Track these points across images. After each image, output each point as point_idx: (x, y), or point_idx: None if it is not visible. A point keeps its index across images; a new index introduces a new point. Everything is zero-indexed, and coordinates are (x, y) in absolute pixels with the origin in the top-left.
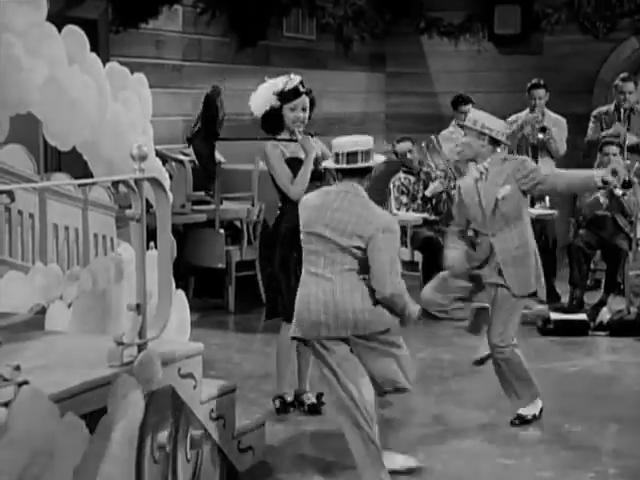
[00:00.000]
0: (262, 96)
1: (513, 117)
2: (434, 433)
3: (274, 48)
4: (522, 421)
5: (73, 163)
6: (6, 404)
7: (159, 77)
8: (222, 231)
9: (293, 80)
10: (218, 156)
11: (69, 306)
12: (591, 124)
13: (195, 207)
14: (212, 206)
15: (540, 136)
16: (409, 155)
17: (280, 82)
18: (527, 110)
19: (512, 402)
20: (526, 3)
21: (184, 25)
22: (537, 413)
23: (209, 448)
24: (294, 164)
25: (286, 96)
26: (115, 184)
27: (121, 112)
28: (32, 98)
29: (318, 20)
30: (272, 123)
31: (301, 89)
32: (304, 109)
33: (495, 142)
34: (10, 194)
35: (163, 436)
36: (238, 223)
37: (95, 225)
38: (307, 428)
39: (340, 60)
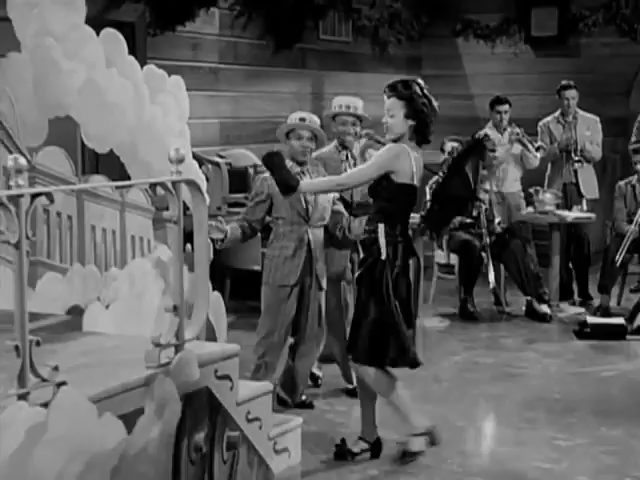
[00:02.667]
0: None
1: (542, 122)
2: (470, 437)
3: (310, 51)
4: None
5: (110, 165)
6: (45, 404)
7: (196, 80)
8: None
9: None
10: (254, 160)
11: (107, 307)
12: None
13: (231, 209)
14: None
15: (577, 165)
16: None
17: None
18: (559, 111)
19: None
20: (563, 5)
21: (221, 28)
22: None
23: (245, 449)
24: None
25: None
26: (153, 186)
27: (158, 115)
28: (70, 101)
29: (354, 23)
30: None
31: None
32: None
33: None
34: (49, 196)
35: (200, 437)
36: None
37: (132, 227)
38: (342, 430)
39: (376, 63)
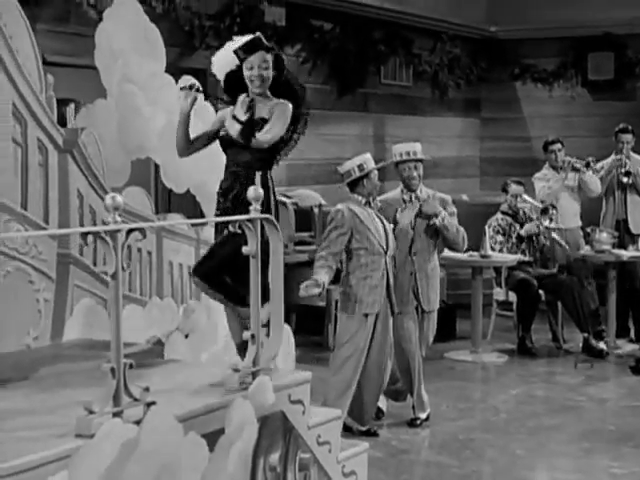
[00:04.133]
0: (223, 57)
1: (600, 164)
2: (528, 465)
3: (372, 95)
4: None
5: (182, 204)
6: (137, 422)
7: None
8: None
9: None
10: (319, 200)
11: (186, 336)
12: None
13: (297, 247)
14: (313, 247)
15: (624, 179)
16: (518, 198)
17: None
18: (613, 155)
19: None
20: (620, 50)
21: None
22: None
23: (316, 471)
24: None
25: (243, 52)
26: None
27: None
28: (151, 144)
29: (414, 68)
30: (233, 86)
31: (258, 43)
32: (261, 67)
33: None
34: (142, 231)
35: (274, 458)
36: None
37: None
38: (405, 457)
39: (436, 106)
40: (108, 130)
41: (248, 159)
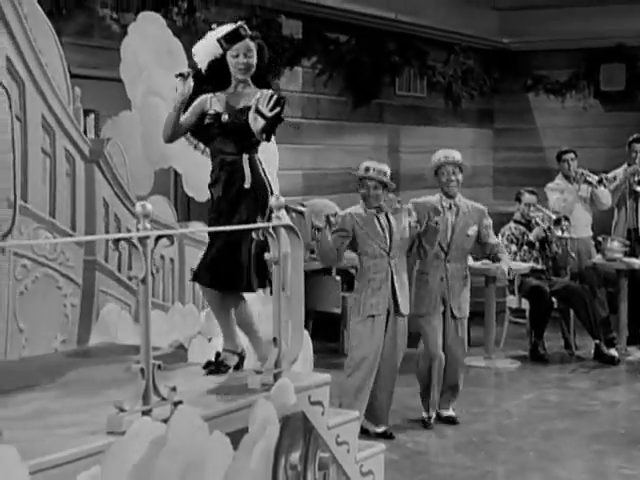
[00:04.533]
0: (206, 46)
1: (612, 174)
2: (541, 466)
3: (387, 106)
4: None
5: (201, 212)
6: (165, 420)
7: (280, 134)
8: (338, 278)
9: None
10: (335, 209)
11: (209, 340)
12: None
13: (313, 255)
14: None
15: (639, 188)
16: (531, 208)
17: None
18: (625, 165)
19: None
20: (631, 61)
21: (304, 85)
22: None
23: (335, 470)
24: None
25: (227, 41)
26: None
27: None
28: (174, 154)
29: (428, 79)
30: (216, 75)
31: (242, 32)
32: (247, 55)
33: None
34: (170, 238)
35: (295, 456)
36: (353, 271)
37: None
38: (422, 458)
39: (449, 117)
40: (132, 141)
41: (234, 149)
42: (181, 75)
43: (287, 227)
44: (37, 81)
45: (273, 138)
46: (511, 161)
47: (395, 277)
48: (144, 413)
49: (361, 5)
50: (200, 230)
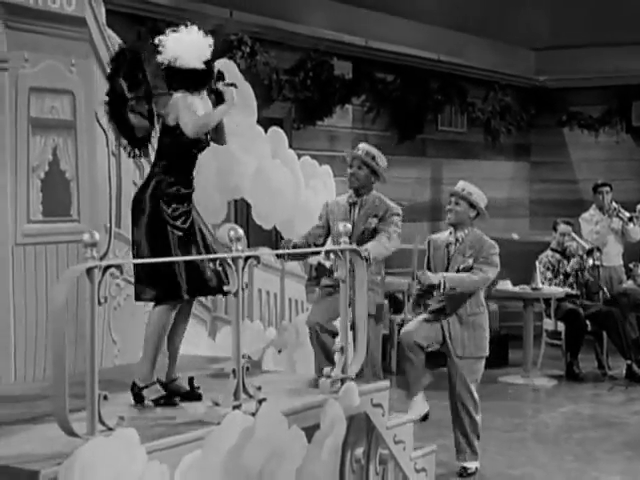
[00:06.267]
0: (199, 47)
1: None
2: (577, 468)
3: (430, 140)
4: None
5: (260, 239)
6: (252, 414)
7: (332, 167)
8: (386, 301)
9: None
10: None
11: (279, 352)
12: None
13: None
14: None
15: None
16: (566, 237)
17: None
18: None
19: None
20: None
21: (353, 122)
22: None
23: (393, 466)
24: None
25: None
26: (327, 253)
27: (311, 197)
28: (245, 186)
29: (469, 115)
30: (202, 79)
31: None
32: None
33: (477, 215)
34: (257, 258)
35: (359, 452)
36: (400, 295)
37: (290, 290)
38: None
39: (488, 151)
40: (208, 173)
41: None
42: (233, 85)
43: (352, 250)
44: None
45: (330, 171)
46: (547, 193)
47: None
48: (235, 407)
49: (406, 47)
50: (295, 251)
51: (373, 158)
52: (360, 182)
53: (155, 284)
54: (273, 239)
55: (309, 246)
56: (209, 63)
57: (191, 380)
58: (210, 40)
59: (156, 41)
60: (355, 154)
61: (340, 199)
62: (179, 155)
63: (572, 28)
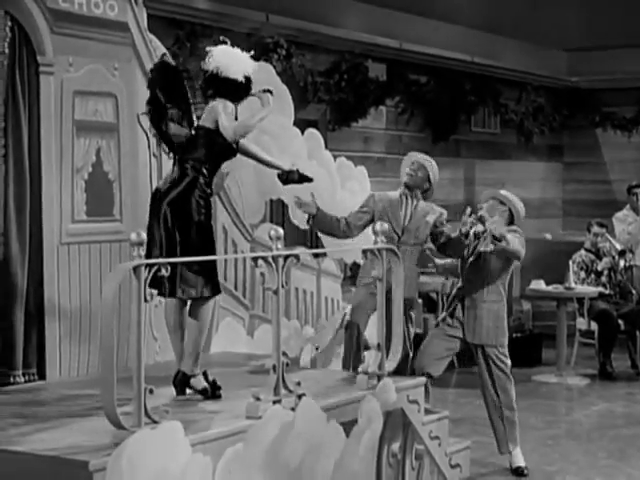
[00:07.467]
0: (243, 62)
1: None
2: (609, 464)
3: (463, 142)
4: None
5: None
6: (292, 409)
7: (366, 168)
8: (420, 301)
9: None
10: None
11: (317, 349)
12: None
13: None
14: None
15: None
16: (600, 238)
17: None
18: None
19: None
20: None
21: (387, 123)
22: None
23: (428, 461)
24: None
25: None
26: (364, 252)
27: (347, 198)
28: (282, 186)
29: (502, 116)
30: (241, 92)
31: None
32: None
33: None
34: (297, 257)
35: (396, 447)
36: (434, 295)
37: (325, 289)
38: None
39: (521, 151)
40: (247, 174)
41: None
42: (269, 91)
43: (388, 249)
44: None
45: (366, 172)
46: (579, 193)
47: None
48: (275, 402)
49: (440, 49)
50: (332, 250)
51: (428, 162)
52: (416, 183)
53: (206, 281)
54: (309, 238)
55: (347, 225)
56: (249, 79)
57: (205, 374)
58: (255, 63)
59: (206, 49)
60: (416, 157)
61: (391, 194)
62: (212, 157)
63: (604, 28)
